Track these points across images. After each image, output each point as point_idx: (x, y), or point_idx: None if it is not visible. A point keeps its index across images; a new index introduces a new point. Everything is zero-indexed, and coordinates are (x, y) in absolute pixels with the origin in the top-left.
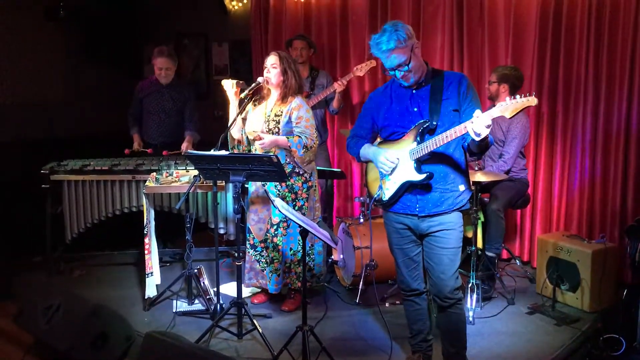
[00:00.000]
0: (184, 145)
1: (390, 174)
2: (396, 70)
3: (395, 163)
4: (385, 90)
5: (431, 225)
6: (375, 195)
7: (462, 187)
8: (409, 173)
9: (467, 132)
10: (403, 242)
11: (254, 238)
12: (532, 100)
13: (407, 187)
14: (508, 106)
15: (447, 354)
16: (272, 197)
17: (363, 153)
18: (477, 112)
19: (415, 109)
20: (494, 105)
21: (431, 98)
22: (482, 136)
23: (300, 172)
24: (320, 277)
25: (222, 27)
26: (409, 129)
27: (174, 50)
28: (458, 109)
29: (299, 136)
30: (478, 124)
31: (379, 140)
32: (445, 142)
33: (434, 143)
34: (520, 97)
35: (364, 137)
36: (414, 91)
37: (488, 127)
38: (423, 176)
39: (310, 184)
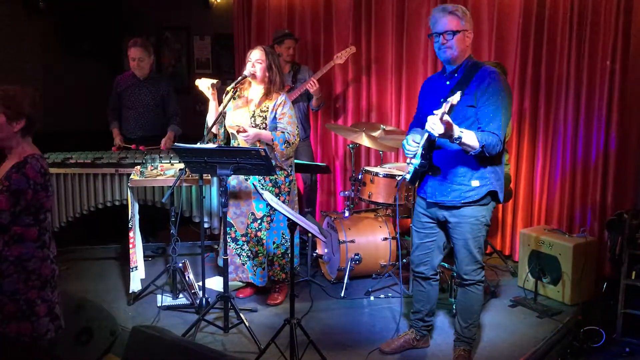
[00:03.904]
0: (164, 141)
1: (413, 157)
2: (440, 36)
3: (414, 147)
4: (430, 80)
5: (445, 216)
6: (404, 174)
7: (475, 183)
8: (416, 158)
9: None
10: (419, 225)
11: (235, 231)
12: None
13: (422, 173)
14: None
15: (459, 328)
16: (261, 190)
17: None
18: (436, 110)
19: (442, 100)
20: None
21: (452, 90)
22: (436, 133)
23: (283, 167)
24: (297, 268)
25: (204, 20)
26: None
27: (154, 43)
28: (474, 105)
29: (282, 131)
30: (430, 121)
31: None
32: (426, 137)
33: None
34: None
35: (418, 120)
36: (447, 82)
37: (438, 125)
38: (419, 161)
39: (291, 177)
